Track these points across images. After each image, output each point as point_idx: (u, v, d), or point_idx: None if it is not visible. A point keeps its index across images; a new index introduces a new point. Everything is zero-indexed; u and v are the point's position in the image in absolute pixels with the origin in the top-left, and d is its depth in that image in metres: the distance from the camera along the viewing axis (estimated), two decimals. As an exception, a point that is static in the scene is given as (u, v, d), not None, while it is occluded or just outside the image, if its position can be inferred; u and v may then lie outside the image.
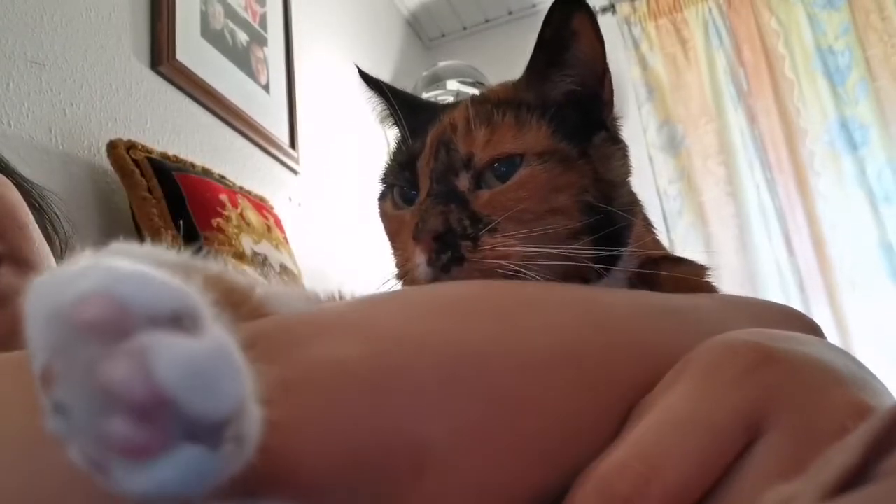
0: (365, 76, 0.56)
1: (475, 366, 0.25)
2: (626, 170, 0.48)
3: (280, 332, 0.25)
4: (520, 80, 0.49)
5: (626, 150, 0.49)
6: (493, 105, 0.46)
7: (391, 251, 0.50)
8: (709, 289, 0.46)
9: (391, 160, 0.52)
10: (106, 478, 0.15)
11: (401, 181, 0.48)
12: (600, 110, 0.48)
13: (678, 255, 0.50)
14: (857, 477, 0.17)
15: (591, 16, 0.46)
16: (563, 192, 0.43)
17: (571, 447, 0.25)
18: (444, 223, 0.42)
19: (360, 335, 0.26)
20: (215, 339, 0.17)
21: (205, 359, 0.16)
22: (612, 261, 0.43)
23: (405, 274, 0.44)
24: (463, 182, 0.44)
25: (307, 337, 0.25)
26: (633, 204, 0.48)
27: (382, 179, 0.52)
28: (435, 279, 0.41)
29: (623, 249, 0.44)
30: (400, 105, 0.52)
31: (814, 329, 0.39)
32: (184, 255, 0.26)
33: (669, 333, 0.32)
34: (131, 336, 0.15)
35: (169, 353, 0.15)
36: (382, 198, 0.51)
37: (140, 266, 0.17)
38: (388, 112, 0.55)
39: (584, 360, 0.28)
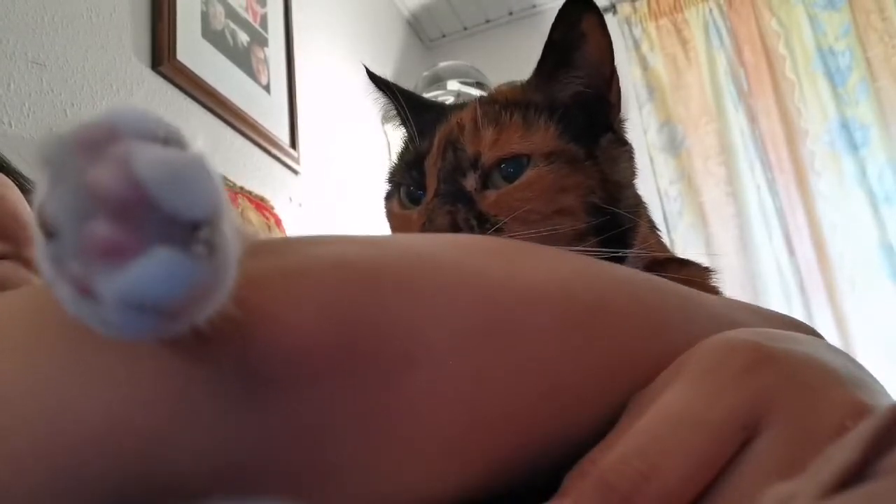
0: (372, 75, 0.56)
1: (475, 283, 0.26)
2: (631, 172, 0.49)
3: (282, 238, 0.27)
4: (528, 81, 0.50)
5: (632, 153, 0.50)
6: (501, 105, 0.46)
7: None
8: (713, 291, 0.46)
9: (398, 160, 0.52)
10: (89, 307, 0.16)
11: (408, 180, 0.49)
12: (607, 112, 0.49)
13: (682, 256, 0.50)
14: (856, 475, 0.17)
15: (600, 18, 0.46)
16: (569, 193, 0.43)
17: (562, 398, 0.26)
18: (451, 223, 0.42)
19: (365, 242, 0.27)
20: (196, 153, 0.17)
21: (184, 164, 0.17)
22: (618, 262, 0.43)
23: None
24: (470, 182, 0.44)
25: (310, 241, 0.26)
26: (639, 206, 0.48)
27: (389, 179, 0.52)
28: None
29: (628, 251, 0.44)
30: (407, 105, 0.52)
31: (815, 336, 0.39)
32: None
33: (673, 307, 0.32)
34: (118, 146, 0.16)
35: (150, 156, 0.16)
36: (389, 197, 0.51)
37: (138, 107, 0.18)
38: (394, 112, 0.55)
39: (582, 298, 0.28)
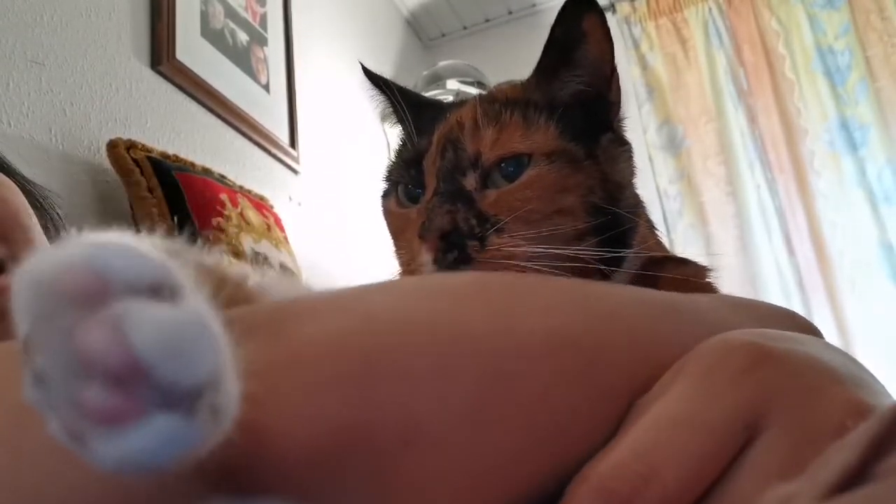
0: (369, 73, 0.55)
1: (468, 345, 0.25)
2: (630, 171, 0.48)
3: (269, 312, 0.26)
4: (528, 80, 0.49)
5: (631, 152, 0.49)
6: (502, 104, 0.46)
7: (394, 249, 0.50)
8: (711, 290, 0.46)
9: (396, 158, 0.51)
10: (83, 449, 0.16)
11: (406, 179, 0.48)
12: (607, 111, 0.48)
13: (680, 255, 0.50)
14: (856, 476, 0.17)
15: (601, 17, 0.46)
16: (570, 193, 0.43)
17: (566, 437, 0.25)
18: (451, 222, 0.41)
19: (351, 314, 0.26)
20: (192, 309, 0.17)
21: (180, 326, 0.16)
22: (618, 262, 0.43)
23: (410, 272, 0.44)
24: (470, 181, 0.44)
25: (297, 315, 0.25)
26: (638, 205, 0.48)
27: (387, 177, 0.52)
28: None
29: (628, 251, 0.44)
30: (404, 102, 0.52)
31: (813, 332, 0.38)
32: (179, 245, 0.27)
33: (668, 327, 0.31)
34: (108, 304, 0.15)
35: (145, 319, 0.15)
36: (386, 196, 0.51)
37: (123, 239, 0.17)
38: (391, 110, 0.55)
39: (579, 345, 0.27)
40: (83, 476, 0.19)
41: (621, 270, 0.43)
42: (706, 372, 0.25)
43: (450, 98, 2.28)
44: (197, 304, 0.17)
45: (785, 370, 0.25)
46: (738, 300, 0.40)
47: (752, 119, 2.32)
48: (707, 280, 0.47)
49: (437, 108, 0.52)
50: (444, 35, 2.83)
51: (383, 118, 2.37)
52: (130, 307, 0.16)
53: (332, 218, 1.84)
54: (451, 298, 0.29)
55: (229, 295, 0.26)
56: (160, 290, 0.17)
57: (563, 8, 0.46)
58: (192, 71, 1.41)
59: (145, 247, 0.17)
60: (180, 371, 0.16)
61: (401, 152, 0.51)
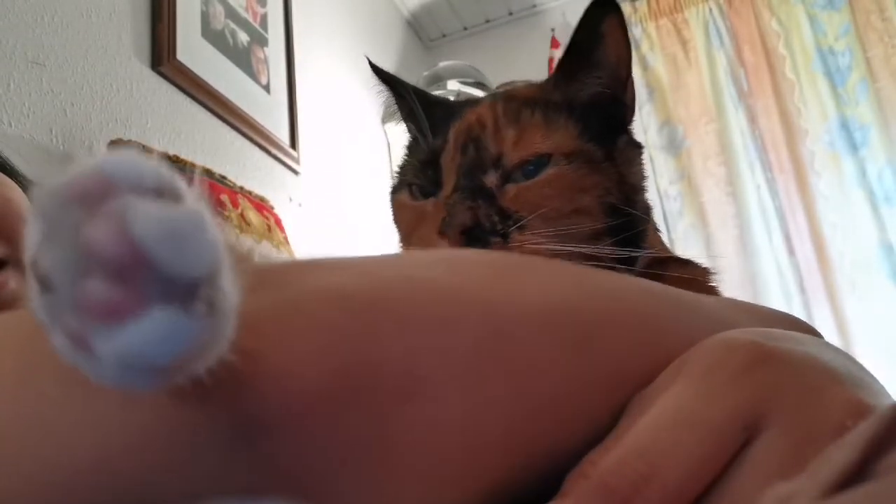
0: (376, 69, 0.56)
1: (470, 307, 0.26)
2: (643, 174, 0.49)
3: (276, 267, 0.26)
4: (547, 80, 0.50)
5: (642, 154, 0.50)
6: (521, 104, 0.46)
7: (403, 245, 0.50)
8: (712, 291, 0.46)
9: (409, 157, 0.51)
10: (85, 358, 0.16)
11: (421, 179, 0.48)
12: (623, 114, 0.49)
13: (683, 256, 0.50)
14: (856, 475, 0.17)
15: (621, 20, 0.46)
16: (588, 193, 0.43)
17: (561, 410, 0.25)
18: (473, 218, 0.41)
19: (360, 271, 0.26)
20: (194, 207, 0.17)
21: (181, 221, 0.16)
22: (632, 262, 0.43)
23: None
24: (491, 179, 0.44)
25: (302, 270, 0.26)
26: (649, 208, 0.49)
27: (399, 174, 0.52)
28: None
29: (641, 251, 0.44)
30: (417, 100, 0.52)
31: (814, 335, 0.38)
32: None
33: (672, 314, 0.31)
34: (113, 200, 0.16)
35: (147, 213, 0.16)
36: (396, 191, 0.51)
37: (131, 153, 0.18)
38: (395, 107, 0.55)
39: (579, 318, 0.27)
40: (107, 416, 0.20)
41: (633, 270, 0.43)
42: (706, 371, 0.25)
43: (450, 99, 2.28)
44: (198, 205, 0.18)
45: (785, 370, 0.25)
46: (741, 303, 0.40)
47: (752, 119, 2.32)
48: (710, 281, 0.47)
49: (446, 105, 0.53)
50: (444, 35, 2.83)
51: (385, 119, 2.37)
52: (134, 202, 0.16)
53: (332, 219, 1.85)
54: (453, 266, 0.29)
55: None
56: (164, 192, 0.17)
57: (587, 11, 0.46)
58: (192, 71, 1.41)
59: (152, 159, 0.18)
60: (179, 262, 0.16)
61: (413, 151, 0.51)
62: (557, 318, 0.27)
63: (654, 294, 0.33)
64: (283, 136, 1.70)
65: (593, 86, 0.47)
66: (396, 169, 0.52)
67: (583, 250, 0.40)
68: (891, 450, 0.17)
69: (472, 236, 0.41)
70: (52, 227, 0.16)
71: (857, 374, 0.27)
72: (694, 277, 0.44)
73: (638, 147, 0.49)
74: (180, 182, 0.18)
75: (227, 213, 1.22)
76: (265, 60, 1.70)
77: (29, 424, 0.20)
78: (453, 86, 2.28)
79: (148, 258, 0.16)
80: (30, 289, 0.17)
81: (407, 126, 0.54)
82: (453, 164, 0.46)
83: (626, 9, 2.49)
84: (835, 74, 2.25)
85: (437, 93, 2.30)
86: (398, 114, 0.55)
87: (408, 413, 0.22)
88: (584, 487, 0.22)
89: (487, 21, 2.77)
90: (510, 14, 2.73)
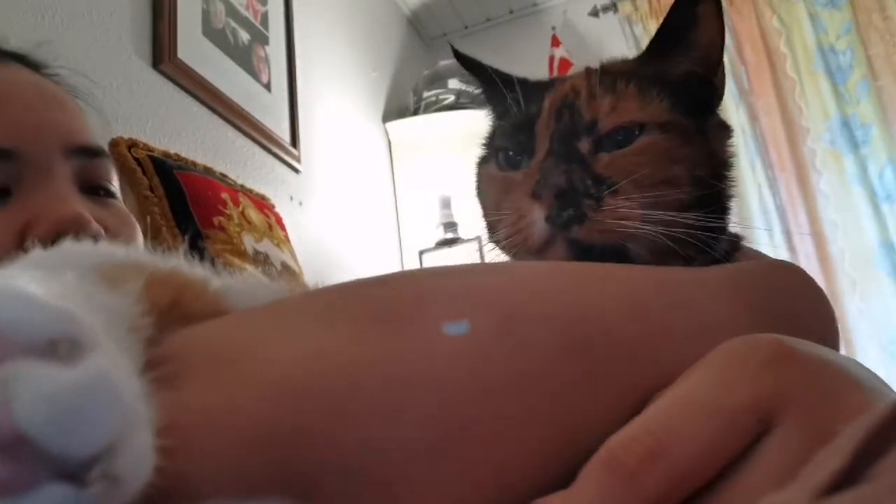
0: (460, 55, 0.55)
1: (427, 395, 0.24)
2: (732, 155, 0.50)
3: (214, 345, 0.24)
4: (639, 57, 0.50)
5: (732, 137, 0.51)
6: (616, 75, 0.47)
7: (489, 219, 0.50)
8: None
9: (500, 124, 0.51)
10: None
11: (512, 144, 0.48)
12: (713, 95, 0.49)
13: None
14: (848, 479, 0.17)
15: (718, 6, 0.47)
16: (679, 164, 0.43)
17: (571, 410, 0.25)
18: (567, 181, 0.41)
19: (314, 351, 0.24)
20: (90, 370, 0.16)
21: (72, 393, 0.15)
22: (716, 238, 0.43)
23: (516, 233, 0.44)
24: (584, 145, 0.44)
25: (241, 352, 0.24)
26: (733, 187, 0.49)
27: (488, 143, 0.52)
28: (551, 237, 0.41)
29: (725, 224, 0.45)
30: (505, 77, 0.52)
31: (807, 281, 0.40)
32: (135, 252, 0.26)
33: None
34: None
35: (32, 386, 0.14)
36: (484, 161, 0.51)
37: (24, 287, 0.16)
38: (483, 90, 0.55)
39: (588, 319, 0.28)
40: None
41: (716, 250, 0.44)
42: (727, 361, 0.25)
43: (451, 98, 2.28)
44: (99, 362, 0.16)
45: (805, 370, 0.25)
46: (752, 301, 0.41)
47: (753, 118, 2.31)
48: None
49: (539, 82, 0.53)
50: (445, 34, 2.83)
51: (385, 117, 2.37)
52: (19, 372, 0.15)
53: (332, 217, 1.85)
54: (419, 341, 0.26)
55: (189, 298, 0.25)
56: (57, 346, 0.15)
57: None
58: (193, 70, 1.41)
59: (53, 291, 0.16)
60: (69, 443, 0.15)
61: (506, 118, 0.50)
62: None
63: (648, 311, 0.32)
64: (283, 134, 1.70)
65: (686, 64, 0.48)
66: (485, 139, 0.52)
67: (671, 217, 0.40)
68: (882, 453, 0.17)
69: (567, 199, 0.41)
70: None
71: (875, 383, 0.27)
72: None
73: (727, 129, 0.50)
74: (79, 325, 0.16)
75: (228, 212, 1.22)
76: (266, 59, 1.70)
77: None
78: (454, 84, 2.28)
79: (31, 440, 0.14)
80: None
81: (491, 107, 0.54)
82: (547, 131, 0.46)
83: (627, 7, 2.49)
84: (836, 73, 2.25)
85: (437, 91, 2.29)
86: (483, 96, 0.55)
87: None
88: (593, 461, 0.22)
89: (488, 20, 2.77)
90: (511, 13, 2.73)
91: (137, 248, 0.60)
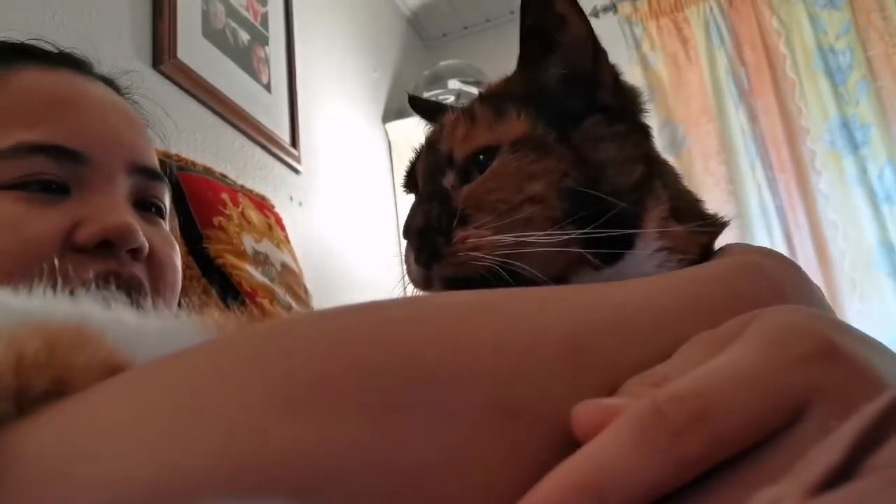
0: (414, 102, 0.56)
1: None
2: (624, 151, 0.45)
3: (25, 466, 0.19)
4: (513, 72, 0.50)
5: (629, 130, 0.48)
6: (480, 101, 0.47)
7: None
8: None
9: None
10: None
11: (408, 188, 0.49)
12: (596, 92, 0.47)
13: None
14: (842, 475, 0.17)
15: None
16: (539, 180, 0.42)
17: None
18: (424, 220, 0.42)
19: (168, 442, 0.19)
20: None
21: None
22: (624, 245, 0.41)
23: (408, 273, 0.44)
24: (449, 179, 0.44)
25: (42, 483, 0.19)
26: (641, 184, 0.44)
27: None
28: (426, 276, 0.42)
29: (606, 231, 0.40)
30: (430, 116, 0.52)
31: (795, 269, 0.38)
32: (35, 304, 0.24)
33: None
34: None
35: None
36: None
37: None
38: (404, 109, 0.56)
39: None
40: None
41: (636, 252, 0.41)
42: (775, 341, 0.25)
43: (451, 98, 2.28)
44: None
45: (845, 370, 0.25)
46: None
47: (753, 118, 2.31)
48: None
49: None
50: (445, 35, 2.83)
51: (385, 117, 2.37)
52: None
53: (332, 217, 1.85)
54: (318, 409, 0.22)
55: (87, 353, 0.22)
56: None
57: None
58: (193, 70, 1.41)
59: None
60: None
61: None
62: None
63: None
64: (283, 134, 1.70)
65: (557, 68, 0.46)
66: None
67: (525, 239, 0.38)
68: (876, 449, 0.18)
69: (425, 238, 0.42)
70: None
71: None
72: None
73: (615, 124, 0.46)
74: None
75: (227, 212, 1.22)
76: (266, 59, 1.70)
77: None
78: (454, 85, 2.28)
79: None
80: None
81: None
82: (421, 170, 0.46)
83: (627, 8, 2.49)
84: (835, 73, 2.25)
85: (437, 92, 2.30)
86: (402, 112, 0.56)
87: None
88: (638, 406, 0.22)
89: (488, 20, 2.77)
90: (511, 13, 2.73)
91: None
